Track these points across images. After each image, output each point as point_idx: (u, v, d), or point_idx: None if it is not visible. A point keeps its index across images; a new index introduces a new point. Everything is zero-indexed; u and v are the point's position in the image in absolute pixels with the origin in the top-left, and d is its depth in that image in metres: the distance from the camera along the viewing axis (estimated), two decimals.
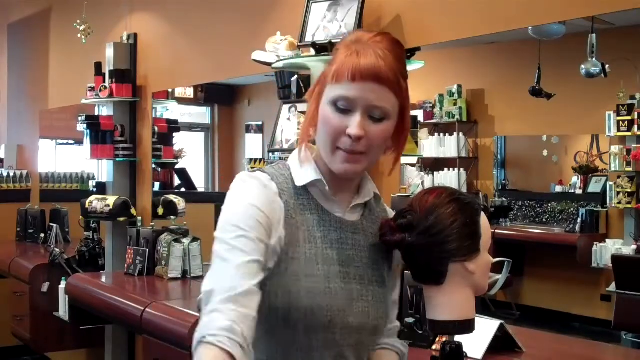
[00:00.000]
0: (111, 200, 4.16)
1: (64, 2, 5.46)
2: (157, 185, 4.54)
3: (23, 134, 6.13)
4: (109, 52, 4.39)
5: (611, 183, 5.08)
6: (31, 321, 4.55)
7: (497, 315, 2.50)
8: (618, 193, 4.98)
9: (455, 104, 6.09)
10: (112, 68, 4.34)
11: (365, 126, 1.21)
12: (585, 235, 5.22)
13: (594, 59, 3.74)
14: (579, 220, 5.43)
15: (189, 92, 4.92)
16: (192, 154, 4.94)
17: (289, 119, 2.96)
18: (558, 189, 5.88)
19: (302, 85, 2.99)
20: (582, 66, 3.98)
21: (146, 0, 4.44)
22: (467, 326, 1.34)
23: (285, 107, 3.02)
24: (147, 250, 3.84)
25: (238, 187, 1.25)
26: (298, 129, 2.75)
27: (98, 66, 4.42)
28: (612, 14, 2.23)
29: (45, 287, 4.46)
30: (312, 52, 2.73)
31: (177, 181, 4.94)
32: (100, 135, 4.28)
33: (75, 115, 4.89)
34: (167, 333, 2.86)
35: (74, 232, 5.19)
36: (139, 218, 4.21)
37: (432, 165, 6.13)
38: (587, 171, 5.64)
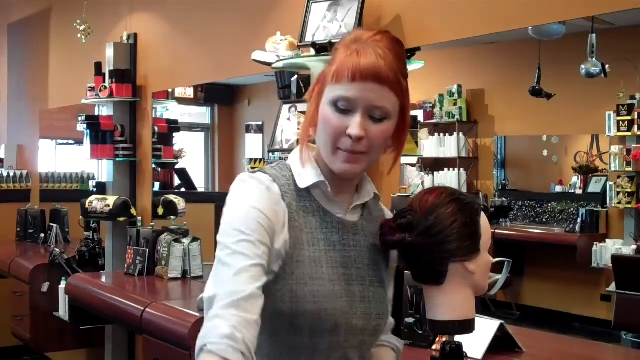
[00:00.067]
0: (111, 200, 4.16)
1: (64, 2, 5.46)
2: (157, 185, 4.55)
3: (23, 134, 6.13)
4: (109, 52, 4.39)
5: (611, 183, 5.08)
6: (31, 321, 4.55)
7: (497, 315, 2.50)
8: (618, 193, 4.98)
9: (455, 104, 6.09)
10: (112, 68, 4.34)
11: (366, 126, 1.20)
12: (585, 235, 5.22)
13: (594, 59, 3.73)
14: (579, 220, 5.43)
15: (189, 92, 4.92)
16: (192, 154, 4.94)
17: (289, 119, 2.97)
18: (558, 189, 5.88)
19: (302, 85, 2.99)
20: (582, 66, 3.98)
21: (146, 0, 4.44)
22: (467, 326, 1.34)
23: (285, 107, 3.02)
24: (147, 250, 3.84)
25: (239, 188, 1.24)
26: (298, 129, 2.75)
27: (98, 66, 4.42)
28: (612, 14, 2.23)
29: (45, 287, 4.46)
30: (312, 52, 2.73)
31: (177, 181, 4.94)
32: (100, 135, 4.28)
33: (75, 115, 4.89)
34: (167, 333, 2.86)
35: (74, 232, 5.19)
36: (139, 218, 4.21)
37: (432, 165, 6.13)
38: (587, 171, 5.64)
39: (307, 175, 1.28)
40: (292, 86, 3.06)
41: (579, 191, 5.67)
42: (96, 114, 4.77)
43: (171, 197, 4.21)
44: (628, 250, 4.52)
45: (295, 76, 3.04)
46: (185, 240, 3.74)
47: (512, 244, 5.48)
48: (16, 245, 5.44)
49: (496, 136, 6.14)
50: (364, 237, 1.33)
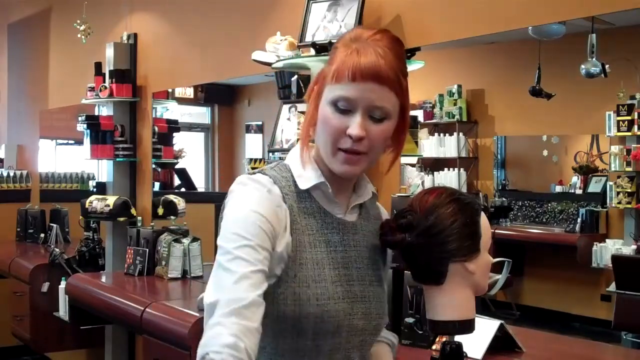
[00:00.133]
0: (111, 200, 4.16)
1: (64, 2, 5.46)
2: (157, 185, 4.55)
3: (23, 134, 6.13)
4: (109, 52, 4.39)
5: (611, 183, 5.08)
6: (31, 321, 4.55)
7: (497, 315, 2.50)
8: (618, 193, 4.98)
9: (455, 104, 6.09)
10: (112, 68, 4.34)
11: (366, 126, 1.20)
12: (585, 235, 5.22)
13: (594, 59, 3.73)
14: (579, 220, 5.43)
15: (189, 92, 4.92)
16: (192, 154, 4.94)
17: (289, 119, 2.97)
18: (558, 189, 5.88)
19: (302, 85, 2.99)
20: (582, 66, 3.98)
21: (146, 0, 4.44)
22: (467, 326, 1.34)
23: (285, 107, 3.02)
24: (147, 250, 3.84)
25: (239, 191, 1.22)
26: (298, 129, 2.75)
27: (98, 66, 4.42)
28: (612, 14, 2.23)
29: (45, 287, 4.46)
30: (312, 52, 2.73)
31: (177, 181, 4.94)
32: (100, 135, 4.29)
33: (75, 115, 4.89)
34: (167, 333, 2.86)
35: (74, 232, 5.19)
36: (139, 218, 4.21)
37: (432, 165, 6.12)
38: (587, 171, 5.64)
39: (307, 177, 1.27)
40: (292, 86, 3.06)
41: (579, 191, 5.67)
42: (96, 114, 4.77)
43: (171, 197, 4.20)
44: (628, 250, 4.52)
45: (295, 76, 3.04)
46: (185, 240, 3.74)
47: (512, 244, 5.48)
48: (16, 245, 5.44)
49: (496, 136, 6.14)
50: (362, 236, 1.33)
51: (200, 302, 2.81)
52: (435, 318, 1.34)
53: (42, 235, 5.33)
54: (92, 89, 4.40)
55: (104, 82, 4.33)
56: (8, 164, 6.11)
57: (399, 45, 1.25)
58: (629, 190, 4.93)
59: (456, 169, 6.09)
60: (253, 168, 2.91)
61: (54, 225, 5.22)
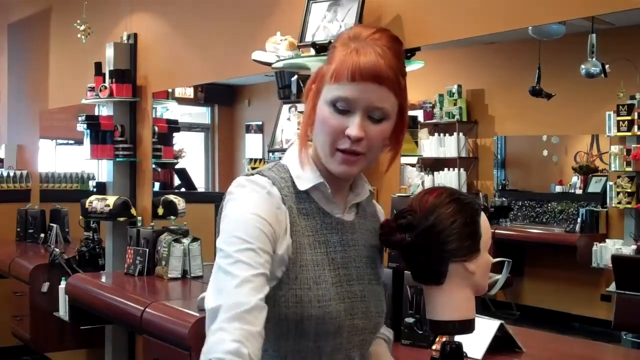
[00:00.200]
0: (111, 200, 4.16)
1: (64, 2, 5.46)
2: (157, 185, 4.55)
3: (23, 134, 6.13)
4: (109, 52, 4.39)
5: (611, 183, 5.08)
6: (31, 321, 4.55)
7: (497, 315, 2.50)
8: (618, 193, 4.98)
9: (455, 104, 6.09)
10: (112, 68, 4.34)
11: (365, 127, 1.19)
12: (585, 235, 5.22)
13: (594, 59, 3.73)
14: (579, 220, 5.43)
15: (189, 92, 4.92)
16: (192, 154, 4.94)
17: (289, 119, 2.97)
18: (558, 189, 5.88)
19: (302, 85, 2.99)
20: (582, 66, 3.98)
21: (146, 0, 4.44)
22: (467, 326, 1.34)
23: (285, 107, 3.02)
24: (147, 250, 3.84)
25: (238, 193, 1.21)
26: (298, 129, 2.75)
27: (98, 66, 4.42)
28: (612, 14, 2.23)
29: (45, 287, 4.46)
30: (312, 52, 2.73)
31: (177, 181, 4.94)
32: (100, 135, 4.29)
33: (75, 115, 4.89)
34: (167, 333, 2.86)
35: (74, 232, 5.19)
36: (139, 218, 4.21)
37: (432, 165, 6.12)
38: (587, 171, 5.64)
39: (306, 177, 1.27)
40: (292, 86, 3.06)
41: (579, 191, 5.67)
42: (96, 114, 4.77)
43: (171, 197, 4.20)
44: (628, 250, 4.52)
45: (295, 76, 3.03)
46: (185, 240, 3.74)
47: (512, 244, 5.48)
48: (16, 245, 5.44)
49: (496, 136, 6.14)
50: (360, 235, 1.33)
51: (200, 302, 2.81)
52: (435, 318, 1.34)
53: (42, 235, 5.33)
54: (92, 89, 4.40)
55: (104, 82, 4.33)
56: (8, 164, 6.11)
57: (398, 44, 1.24)
58: (629, 190, 4.93)
59: (456, 169, 6.09)
60: (253, 168, 2.91)
61: (54, 225, 5.22)
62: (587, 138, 5.71)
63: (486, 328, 2.11)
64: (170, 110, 4.74)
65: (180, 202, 4.16)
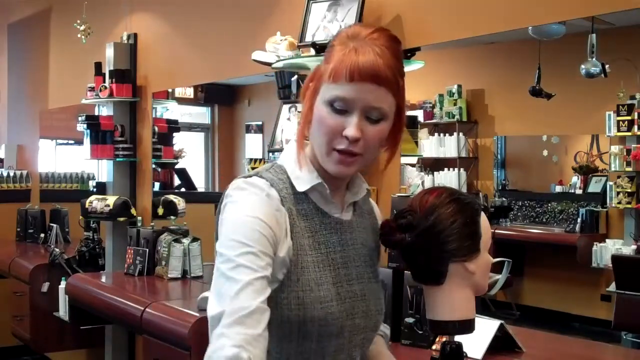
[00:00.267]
0: (111, 200, 4.16)
1: (64, 2, 5.46)
2: (157, 185, 4.55)
3: (23, 134, 6.13)
4: (109, 52, 4.39)
5: (611, 183, 5.08)
6: (31, 321, 4.55)
7: (497, 315, 2.50)
8: (618, 193, 4.97)
9: (455, 104, 6.09)
10: (112, 68, 4.35)
11: (363, 127, 1.19)
12: (585, 235, 5.22)
13: (594, 59, 3.73)
14: (579, 220, 5.43)
15: (189, 92, 4.92)
16: (192, 154, 4.94)
17: (289, 119, 2.97)
18: (558, 189, 5.88)
19: (301, 85, 2.99)
20: (582, 66, 3.98)
21: (146, 0, 4.44)
22: (467, 326, 1.34)
23: (285, 107, 3.02)
24: (147, 250, 3.84)
25: (237, 196, 1.20)
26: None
27: (98, 66, 4.42)
28: (612, 14, 2.23)
29: (45, 287, 4.46)
30: (312, 52, 2.73)
31: (177, 181, 4.94)
32: (100, 135, 4.29)
33: (75, 115, 4.89)
34: (167, 333, 2.86)
35: (74, 232, 5.19)
36: (139, 218, 4.21)
37: (432, 165, 6.12)
38: (587, 171, 5.63)
39: (305, 178, 1.26)
40: (292, 86, 3.06)
41: (579, 191, 5.66)
42: (96, 114, 4.77)
43: (171, 197, 4.21)
44: (628, 250, 4.52)
45: (295, 76, 3.04)
46: (185, 240, 3.74)
47: (512, 244, 5.48)
48: (16, 245, 5.44)
49: (496, 136, 6.14)
50: (358, 233, 1.33)
51: (200, 302, 2.81)
52: (435, 318, 1.34)
53: (42, 235, 5.33)
54: (92, 89, 4.40)
55: (104, 82, 4.33)
56: (8, 164, 6.12)
57: (397, 44, 1.23)
58: (629, 190, 4.93)
59: (456, 169, 6.08)
60: (253, 168, 2.91)
61: (54, 225, 5.22)
62: (587, 138, 5.70)
63: (486, 328, 2.11)
64: (170, 110, 4.74)
65: (180, 202, 4.16)
